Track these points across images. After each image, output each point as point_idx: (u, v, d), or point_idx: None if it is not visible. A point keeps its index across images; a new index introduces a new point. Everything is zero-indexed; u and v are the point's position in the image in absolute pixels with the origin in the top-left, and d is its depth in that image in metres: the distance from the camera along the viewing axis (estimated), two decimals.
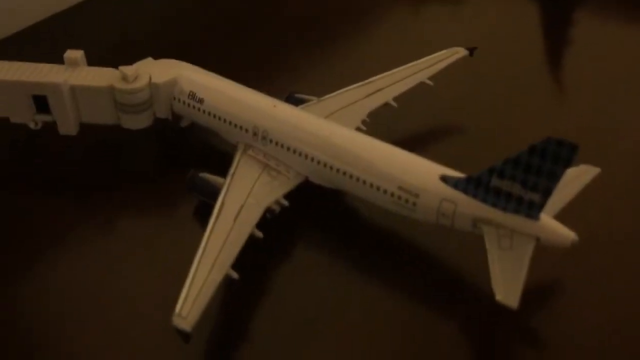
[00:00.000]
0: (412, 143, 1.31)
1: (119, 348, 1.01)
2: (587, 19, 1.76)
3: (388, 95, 1.31)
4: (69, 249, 1.16)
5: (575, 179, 1.05)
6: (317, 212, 1.20)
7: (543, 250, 0.99)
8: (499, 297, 0.92)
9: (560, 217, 1.01)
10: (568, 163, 0.89)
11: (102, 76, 1.26)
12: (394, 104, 1.31)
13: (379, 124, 1.28)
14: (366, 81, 1.33)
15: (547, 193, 0.93)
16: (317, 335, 1.02)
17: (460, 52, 1.39)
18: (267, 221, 1.10)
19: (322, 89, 1.33)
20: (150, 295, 1.07)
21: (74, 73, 1.26)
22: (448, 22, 1.77)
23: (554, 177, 0.91)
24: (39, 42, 1.64)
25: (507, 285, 0.93)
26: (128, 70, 1.24)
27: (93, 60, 1.32)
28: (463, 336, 1.02)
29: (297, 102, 1.30)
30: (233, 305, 1.05)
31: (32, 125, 1.29)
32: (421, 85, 1.35)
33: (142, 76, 1.25)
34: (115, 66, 1.27)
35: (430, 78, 1.36)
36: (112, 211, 1.23)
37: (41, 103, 1.26)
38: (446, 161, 1.09)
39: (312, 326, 1.03)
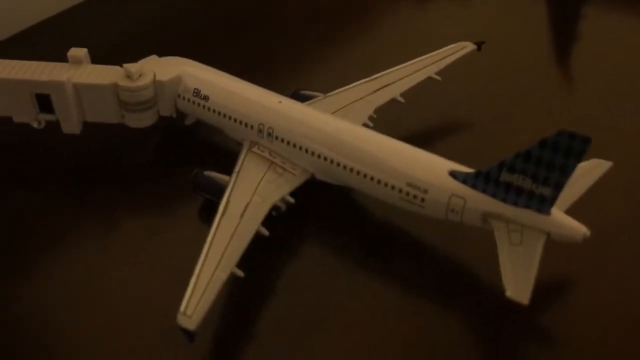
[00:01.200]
0: (420, 138, 1.30)
1: (123, 347, 1.00)
2: (594, 13, 1.73)
3: (395, 91, 1.29)
4: (72, 247, 1.15)
5: (587, 173, 1.03)
6: (324, 209, 1.19)
7: (555, 245, 0.97)
8: (509, 293, 0.91)
9: (572, 211, 0.99)
10: (580, 156, 0.88)
11: (105, 74, 1.25)
12: (401, 99, 1.29)
13: (385, 120, 1.27)
14: (373, 77, 1.31)
15: (558, 187, 0.92)
16: (324, 333, 1.01)
17: (468, 46, 1.38)
18: (273, 218, 1.08)
19: (328, 85, 1.32)
20: (154, 293, 1.06)
21: (78, 71, 1.24)
22: (455, 16, 1.76)
23: (566, 171, 0.89)
24: (43, 41, 1.63)
25: (517, 281, 0.91)
26: (132, 67, 1.23)
27: (97, 58, 1.30)
28: (473, 333, 1.00)
29: (302, 99, 1.29)
30: (238, 304, 1.04)
31: (35, 125, 1.28)
32: (428, 80, 1.33)
33: (147, 74, 1.24)
34: (120, 64, 1.26)
35: (437, 73, 1.34)
36: (116, 209, 1.22)
37: (44, 102, 1.25)
38: (454, 156, 1.08)
39: (318, 324, 1.02)
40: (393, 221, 1.15)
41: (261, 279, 1.07)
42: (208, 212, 1.11)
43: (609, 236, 1.09)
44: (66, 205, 1.23)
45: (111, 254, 1.14)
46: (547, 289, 1.01)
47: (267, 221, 1.06)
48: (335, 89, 1.30)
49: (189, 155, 1.31)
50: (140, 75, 1.23)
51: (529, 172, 0.92)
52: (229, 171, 1.14)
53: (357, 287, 1.07)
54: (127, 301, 1.06)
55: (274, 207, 1.09)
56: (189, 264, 0.97)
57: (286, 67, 1.55)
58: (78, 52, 1.27)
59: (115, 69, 1.26)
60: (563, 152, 0.88)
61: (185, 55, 1.34)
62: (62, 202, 1.23)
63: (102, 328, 1.03)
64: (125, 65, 1.24)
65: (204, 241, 1.00)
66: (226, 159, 1.18)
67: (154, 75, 1.24)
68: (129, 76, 1.23)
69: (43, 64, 1.26)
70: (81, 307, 1.05)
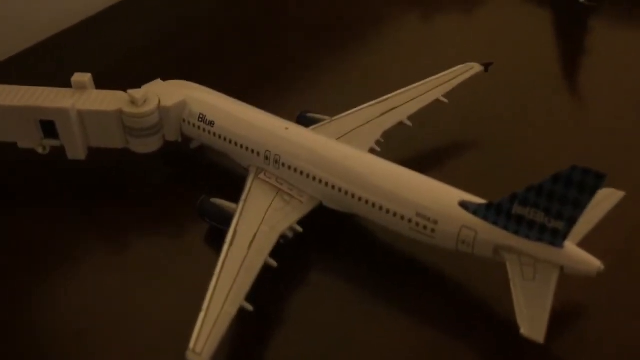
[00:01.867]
0: (427, 162, 1.29)
1: None
2: (602, 27, 1.71)
3: (403, 114, 1.28)
4: (76, 273, 1.14)
5: (599, 203, 1.01)
6: (332, 237, 1.17)
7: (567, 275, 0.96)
8: (523, 331, 0.90)
9: (584, 244, 0.98)
10: (594, 191, 0.86)
11: (110, 100, 1.23)
12: (409, 123, 1.28)
13: (392, 143, 1.25)
14: (380, 99, 1.30)
15: (571, 221, 0.90)
16: None
17: (476, 67, 1.36)
18: (281, 246, 1.07)
19: (332, 104, 1.31)
20: (156, 322, 1.05)
21: (82, 97, 1.23)
22: (460, 28, 1.74)
23: (580, 206, 0.88)
24: (41, 62, 1.62)
25: (532, 319, 0.90)
26: (137, 93, 1.21)
27: (97, 78, 1.29)
28: None
29: (308, 122, 1.27)
30: (246, 334, 1.02)
31: (40, 150, 1.27)
32: (435, 102, 1.32)
33: (151, 99, 1.23)
34: (121, 84, 1.25)
35: (444, 94, 1.32)
36: (120, 236, 1.20)
37: (49, 128, 1.23)
38: (462, 179, 1.07)
39: (329, 354, 1.01)
40: (402, 249, 1.14)
41: (269, 308, 1.05)
42: (215, 238, 1.10)
43: (624, 266, 1.08)
44: (73, 227, 1.22)
45: (115, 280, 1.13)
46: (563, 321, 1.00)
47: (275, 249, 1.05)
48: (339, 108, 1.28)
49: (194, 180, 1.30)
50: (145, 101, 1.22)
51: (541, 205, 0.91)
52: (234, 196, 1.12)
53: (367, 315, 1.06)
54: (132, 323, 1.05)
55: (281, 236, 1.08)
56: (195, 291, 0.96)
57: (289, 86, 1.54)
58: (82, 78, 1.26)
59: (120, 94, 1.24)
60: (576, 187, 0.87)
61: (186, 75, 1.32)
62: (69, 224, 1.23)
63: (109, 349, 1.02)
64: (129, 91, 1.22)
65: (210, 266, 0.99)
66: (232, 183, 1.17)
67: (159, 101, 1.23)
68: (133, 102, 1.21)
69: (47, 89, 1.24)
70: (85, 328, 1.05)
